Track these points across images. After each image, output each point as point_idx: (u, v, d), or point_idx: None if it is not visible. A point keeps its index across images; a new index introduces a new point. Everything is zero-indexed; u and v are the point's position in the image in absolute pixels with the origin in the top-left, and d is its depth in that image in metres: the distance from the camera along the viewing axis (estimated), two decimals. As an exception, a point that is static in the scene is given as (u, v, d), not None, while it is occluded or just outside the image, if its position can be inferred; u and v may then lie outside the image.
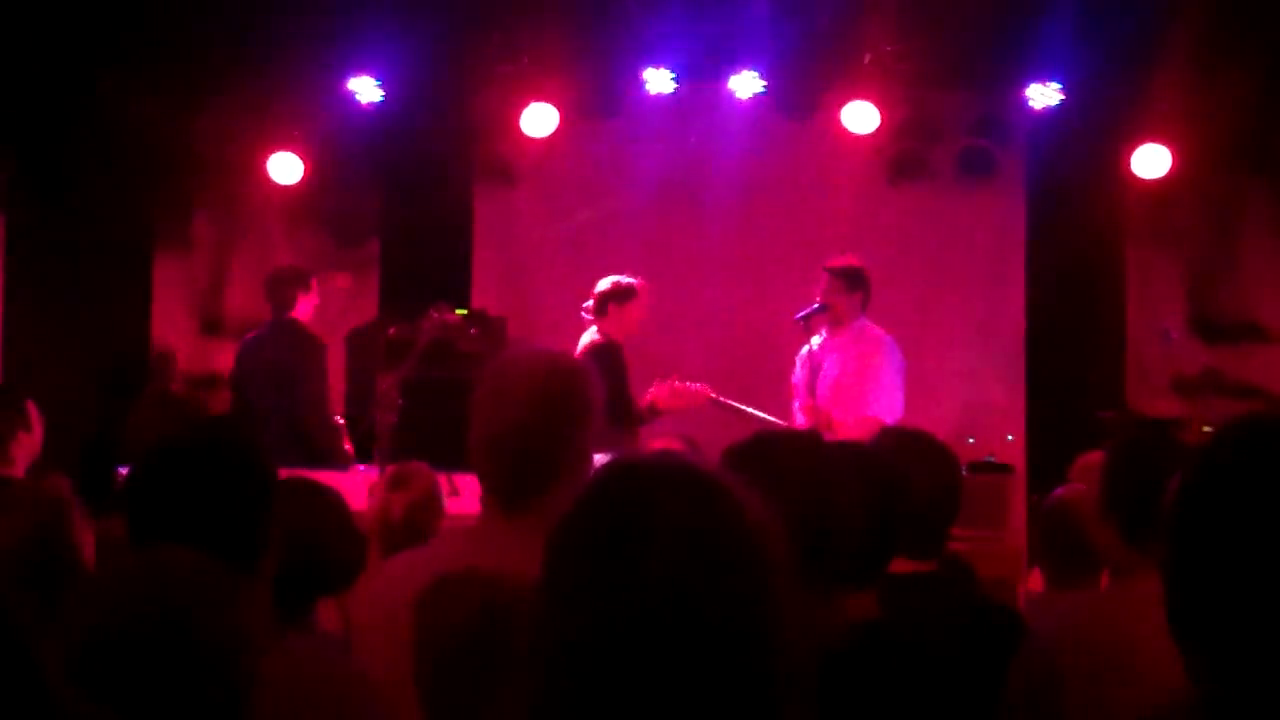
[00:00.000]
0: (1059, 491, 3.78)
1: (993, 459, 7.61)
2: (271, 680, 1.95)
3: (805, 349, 7.01)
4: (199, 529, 2.14)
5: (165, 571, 1.76)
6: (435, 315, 6.93)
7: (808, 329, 6.97)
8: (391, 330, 7.48)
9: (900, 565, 2.88)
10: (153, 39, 7.83)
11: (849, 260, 7.06)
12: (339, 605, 3.01)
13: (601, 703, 1.37)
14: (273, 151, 8.34)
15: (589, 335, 6.90)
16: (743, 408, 6.93)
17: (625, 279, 6.96)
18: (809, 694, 1.52)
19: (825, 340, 7.04)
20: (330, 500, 3.23)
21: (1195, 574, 1.50)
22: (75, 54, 7.83)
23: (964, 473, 6.91)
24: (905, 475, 2.77)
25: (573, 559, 1.42)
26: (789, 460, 2.25)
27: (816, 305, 6.96)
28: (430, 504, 3.95)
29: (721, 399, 6.98)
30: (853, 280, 6.98)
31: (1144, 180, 8.23)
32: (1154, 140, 8.13)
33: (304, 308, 7.16)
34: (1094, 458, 3.75)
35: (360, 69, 8.21)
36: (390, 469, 4.33)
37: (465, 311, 7.66)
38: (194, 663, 1.69)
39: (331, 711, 2.21)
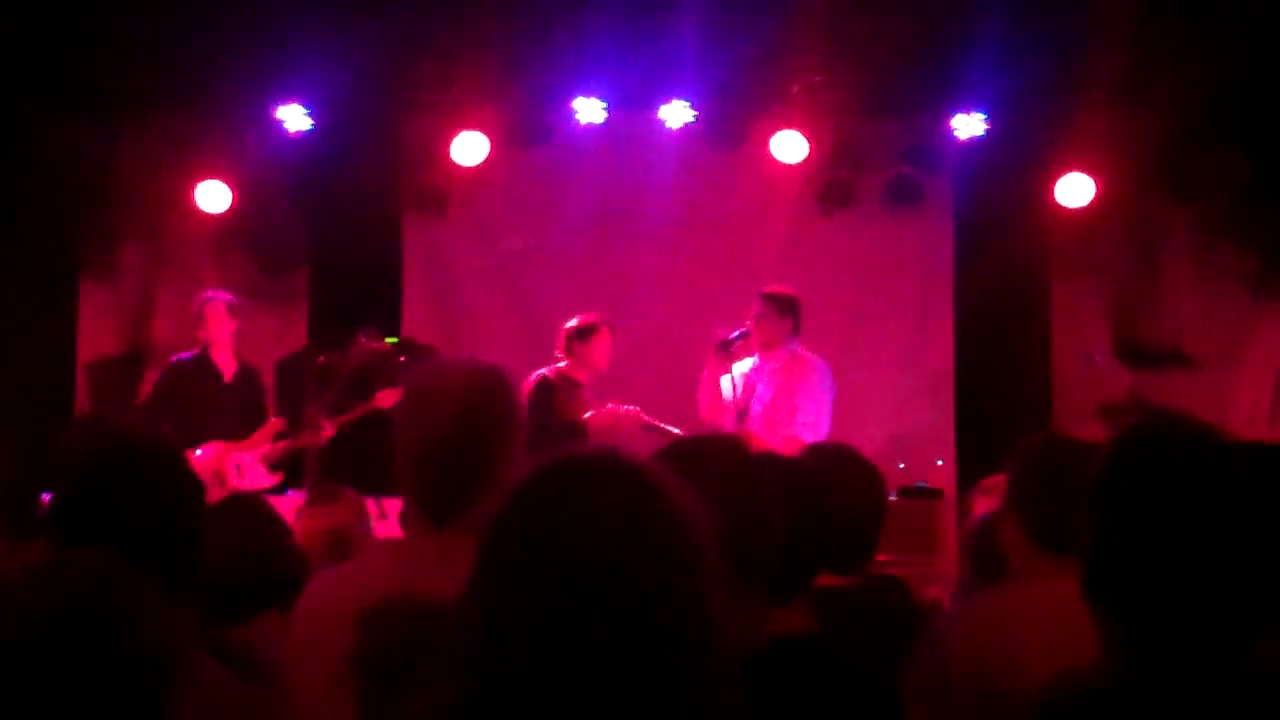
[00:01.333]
0: (978, 512, 3.82)
1: (923, 484, 7.66)
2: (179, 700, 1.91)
3: (728, 376, 7.01)
4: (121, 536, 2.10)
5: (77, 571, 1.72)
6: (363, 341, 6.91)
7: (727, 355, 6.99)
8: (320, 359, 7.42)
9: (826, 580, 2.88)
10: (78, 65, 7.75)
11: (783, 288, 7.11)
12: (281, 619, 2.99)
13: (531, 689, 1.37)
14: (201, 179, 8.28)
15: (543, 370, 6.99)
16: (674, 431, 6.93)
17: (588, 318, 7.06)
18: (739, 690, 1.52)
19: (757, 365, 7.06)
20: (273, 516, 3.23)
21: (1112, 548, 1.70)
22: (-3, 80, 7.74)
23: (894, 498, 6.99)
24: (829, 487, 2.77)
25: (508, 546, 1.42)
26: (712, 461, 2.24)
27: (738, 332, 6.99)
28: (355, 524, 3.91)
29: (654, 422, 6.99)
30: (784, 306, 7.02)
31: (1068, 209, 8.36)
32: (1078, 169, 8.26)
33: (204, 336, 7.39)
34: (993, 481, 3.82)
35: (289, 97, 8.18)
36: (313, 491, 4.30)
37: (395, 340, 7.62)
38: (107, 663, 1.66)
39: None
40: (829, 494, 2.75)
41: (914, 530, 7.00)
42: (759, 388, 7.00)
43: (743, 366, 7.07)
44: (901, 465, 8.02)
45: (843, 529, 2.92)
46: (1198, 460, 1.76)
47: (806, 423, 6.82)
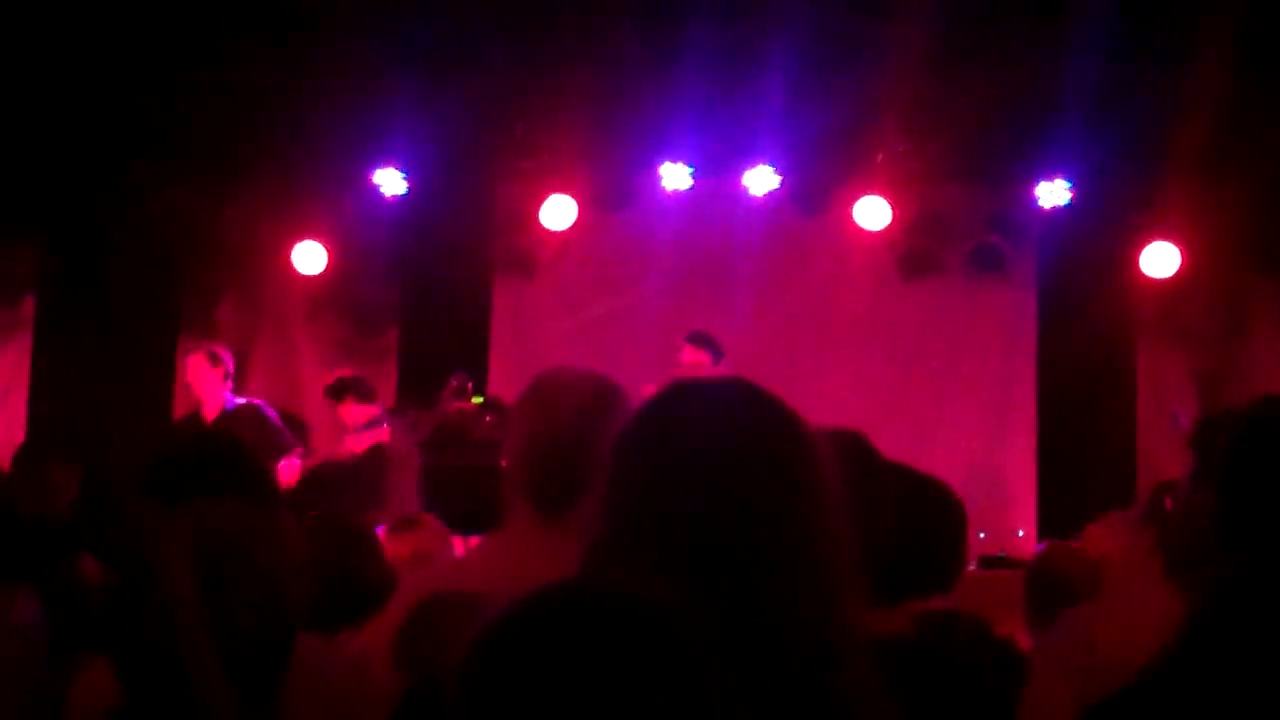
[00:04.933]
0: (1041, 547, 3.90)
1: (1004, 554, 7.62)
2: (307, 669, 2.01)
3: None
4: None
5: (231, 513, 1.84)
6: (455, 383, 6.99)
7: None
8: (408, 416, 7.54)
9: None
10: (185, 130, 8.03)
11: (705, 328, 7.13)
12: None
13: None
14: (298, 241, 8.51)
15: None
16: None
17: None
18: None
19: None
20: (362, 532, 3.33)
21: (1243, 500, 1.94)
22: (109, 143, 8.02)
23: (974, 568, 6.92)
24: (946, 501, 2.80)
25: (643, 451, 1.52)
26: (840, 447, 2.28)
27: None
28: (440, 547, 3.96)
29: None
30: (716, 348, 7.05)
31: (1154, 278, 8.35)
32: (1163, 238, 8.26)
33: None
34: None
35: (386, 161, 8.40)
36: (395, 519, 4.38)
37: (481, 399, 7.72)
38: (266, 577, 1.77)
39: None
40: (946, 508, 2.78)
41: (993, 601, 6.94)
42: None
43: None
44: (982, 535, 7.97)
45: (944, 546, 2.94)
46: None
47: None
